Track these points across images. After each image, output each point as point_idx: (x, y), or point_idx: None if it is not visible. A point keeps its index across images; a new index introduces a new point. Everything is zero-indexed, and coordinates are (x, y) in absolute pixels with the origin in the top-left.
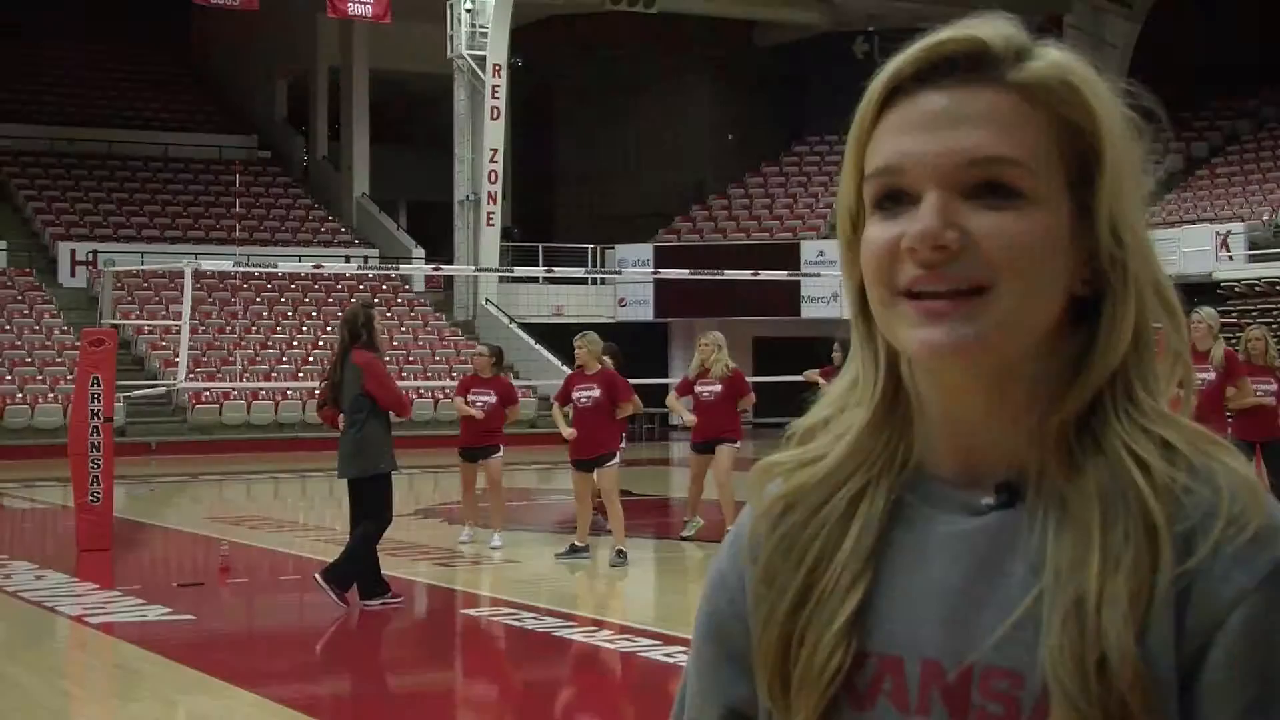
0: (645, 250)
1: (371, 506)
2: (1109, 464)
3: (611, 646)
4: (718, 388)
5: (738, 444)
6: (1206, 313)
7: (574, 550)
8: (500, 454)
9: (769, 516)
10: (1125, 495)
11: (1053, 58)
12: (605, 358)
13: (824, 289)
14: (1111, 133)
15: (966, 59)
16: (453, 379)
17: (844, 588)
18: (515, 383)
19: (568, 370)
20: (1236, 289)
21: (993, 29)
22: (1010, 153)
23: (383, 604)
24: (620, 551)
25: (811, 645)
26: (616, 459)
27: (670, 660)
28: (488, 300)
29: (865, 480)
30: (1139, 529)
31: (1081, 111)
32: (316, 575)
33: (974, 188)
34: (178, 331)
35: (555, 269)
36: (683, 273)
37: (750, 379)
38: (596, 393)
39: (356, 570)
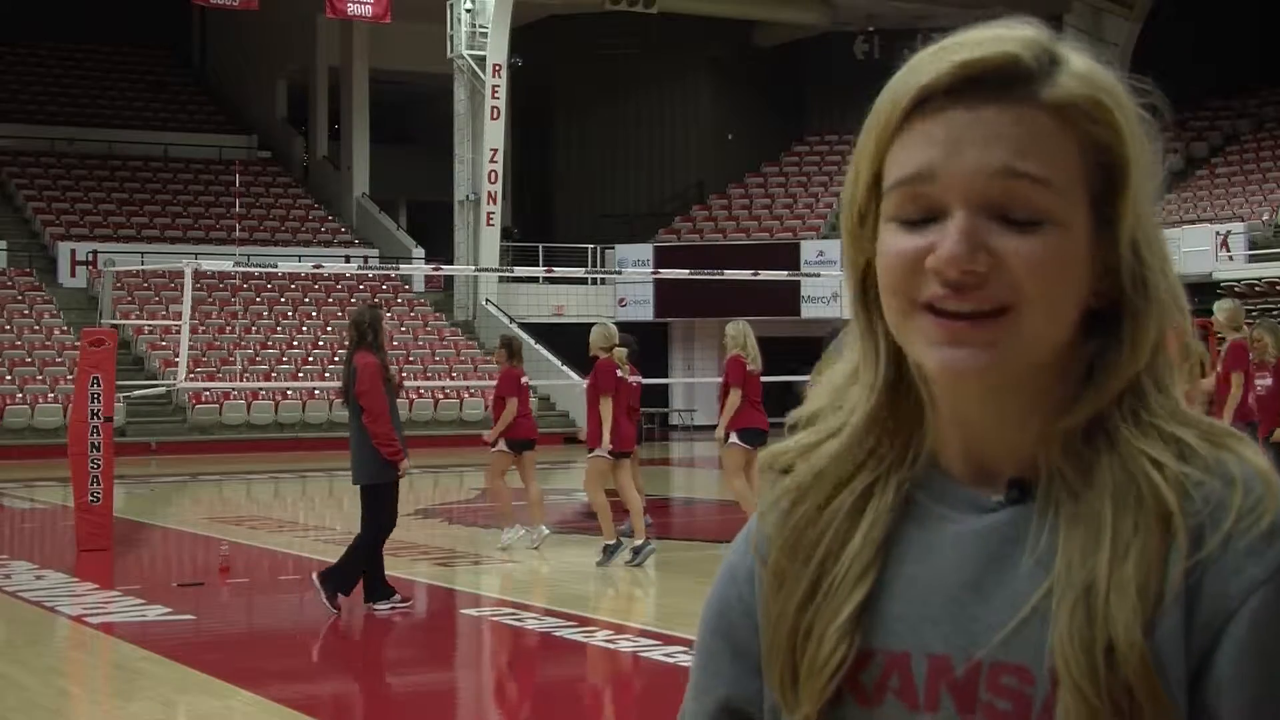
0: (645, 250)
1: (369, 512)
2: (1120, 461)
3: (611, 646)
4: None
5: (729, 439)
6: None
7: (608, 551)
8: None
9: (777, 511)
10: (1137, 488)
11: (1081, 71)
12: (620, 350)
13: (824, 289)
14: (1137, 152)
15: (999, 74)
16: (452, 379)
17: (851, 582)
18: None
19: (567, 370)
20: (1236, 289)
21: (1022, 40)
22: (1041, 172)
23: (390, 608)
24: (606, 547)
25: (817, 639)
26: (593, 450)
27: (671, 660)
28: (488, 300)
29: (875, 475)
30: (1150, 521)
31: (1110, 131)
32: (314, 574)
33: (1000, 206)
34: (178, 331)
35: (555, 269)
36: (683, 273)
37: None
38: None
39: (353, 575)
